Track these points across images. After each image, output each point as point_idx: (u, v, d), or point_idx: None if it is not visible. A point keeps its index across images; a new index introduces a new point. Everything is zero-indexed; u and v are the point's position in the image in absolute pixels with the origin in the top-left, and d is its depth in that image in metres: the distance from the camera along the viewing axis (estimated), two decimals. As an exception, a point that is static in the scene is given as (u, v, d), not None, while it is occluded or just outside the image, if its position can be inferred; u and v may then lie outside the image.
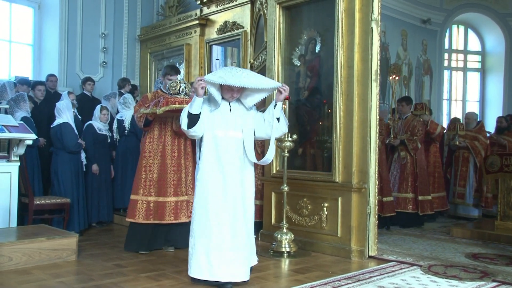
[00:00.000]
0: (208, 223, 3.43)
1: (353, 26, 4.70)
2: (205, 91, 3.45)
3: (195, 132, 3.43)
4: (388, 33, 9.03)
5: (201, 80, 3.32)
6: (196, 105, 3.39)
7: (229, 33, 7.32)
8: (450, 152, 7.85)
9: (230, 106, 3.54)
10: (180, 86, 4.66)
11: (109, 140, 6.33)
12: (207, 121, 3.46)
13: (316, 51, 5.17)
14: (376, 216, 4.66)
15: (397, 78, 7.88)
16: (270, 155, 3.58)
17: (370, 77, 4.61)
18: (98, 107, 6.25)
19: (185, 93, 4.69)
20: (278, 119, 3.53)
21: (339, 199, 4.73)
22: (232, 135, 3.50)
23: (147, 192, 4.67)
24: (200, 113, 3.40)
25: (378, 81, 4.68)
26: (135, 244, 4.70)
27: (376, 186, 4.67)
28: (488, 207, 7.46)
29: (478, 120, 7.97)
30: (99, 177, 6.23)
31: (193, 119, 3.40)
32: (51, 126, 5.77)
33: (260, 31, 6.36)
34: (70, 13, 8.11)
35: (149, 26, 8.92)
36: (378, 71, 4.67)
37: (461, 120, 8.12)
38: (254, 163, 3.61)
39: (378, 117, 4.67)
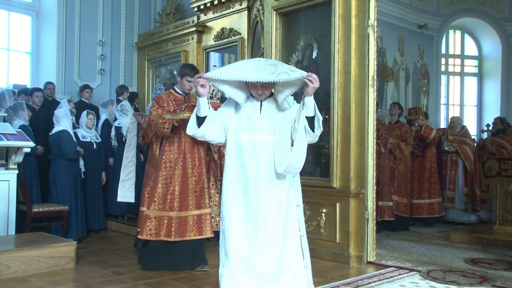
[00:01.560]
0: (228, 251, 2.94)
1: (349, 31, 4.72)
2: (214, 91, 3.23)
3: (202, 134, 2.99)
4: (385, 38, 9.07)
5: (200, 77, 2.89)
6: (201, 107, 2.92)
7: (226, 40, 7.34)
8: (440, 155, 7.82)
9: (261, 105, 3.00)
10: (214, 89, 4.34)
11: (95, 147, 6.24)
12: (232, 124, 3.00)
13: (313, 57, 5.19)
14: (375, 221, 4.67)
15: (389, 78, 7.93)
16: (295, 162, 2.83)
17: (367, 82, 4.62)
18: (84, 113, 6.21)
19: (218, 97, 4.41)
20: (312, 118, 2.84)
21: (337, 204, 4.73)
22: (260, 139, 2.94)
23: (168, 207, 4.21)
24: (207, 116, 2.94)
25: (375, 86, 4.69)
26: (153, 263, 4.28)
27: (374, 192, 4.67)
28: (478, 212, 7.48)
29: (462, 125, 8.02)
30: (91, 184, 6.22)
31: (201, 122, 2.98)
32: (50, 133, 5.78)
33: (257, 38, 6.38)
34: (68, 21, 8.13)
35: (147, 33, 8.95)
36: (375, 77, 4.69)
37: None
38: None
39: (375, 122, 4.69)
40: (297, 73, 2.80)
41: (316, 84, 2.77)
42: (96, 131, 6.54)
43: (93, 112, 6.34)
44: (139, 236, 4.30)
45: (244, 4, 6.94)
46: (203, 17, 7.73)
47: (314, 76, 2.78)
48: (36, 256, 4.10)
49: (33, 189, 5.74)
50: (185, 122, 3.89)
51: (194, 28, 7.78)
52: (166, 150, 4.29)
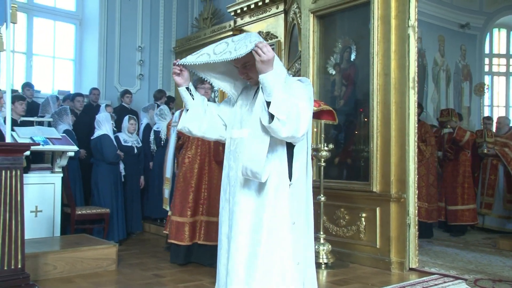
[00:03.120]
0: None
1: (389, 33, 4.63)
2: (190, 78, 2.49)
3: (186, 129, 2.52)
4: (425, 39, 8.86)
5: (174, 64, 2.41)
6: (184, 98, 2.49)
7: (263, 43, 7.34)
8: (478, 159, 7.36)
9: (256, 93, 2.43)
10: None
11: (135, 151, 6.36)
12: (229, 119, 2.55)
13: (351, 59, 5.12)
14: (416, 227, 4.54)
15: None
16: (246, 161, 2.24)
17: (408, 84, 4.52)
18: (126, 117, 6.36)
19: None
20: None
21: (377, 209, 4.64)
22: (241, 135, 2.44)
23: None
24: (189, 109, 2.49)
25: (416, 88, 4.58)
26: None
27: (416, 196, 4.55)
28: None
29: (510, 125, 7.45)
30: (131, 187, 6.35)
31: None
32: (91, 137, 5.94)
33: (294, 41, 6.36)
34: (108, 28, 8.35)
35: (184, 38, 9.07)
36: (416, 78, 4.58)
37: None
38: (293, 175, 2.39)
39: (416, 125, 4.57)
40: (242, 50, 2.16)
41: (265, 56, 2.09)
42: (138, 136, 6.67)
43: (134, 117, 6.49)
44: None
45: (281, 8, 6.93)
46: (239, 21, 7.77)
47: (262, 45, 2.11)
48: (80, 258, 4.21)
49: (76, 192, 5.90)
50: None
51: (231, 32, 7.81)
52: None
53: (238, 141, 2.44)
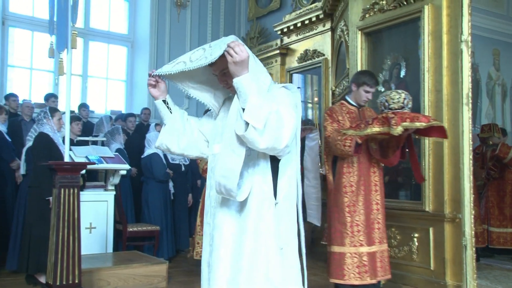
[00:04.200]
0: None
1: (440, 48, 4.53)
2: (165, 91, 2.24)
3: (164, 147, 2.24)
4: (478, 52, 8.58)
5: (150, 75, 2.17)
6: (161, 113, 2.24)
7: (310, 61, 7.36)
8: None
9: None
10: (405, 98, 3.62)
11: (183, 169, 6.46)
12: (210, 133, 2.26)
13: (401, 76, 5.03)
14: (474, 249, 4.35)
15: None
16: (217, 175, 1.98)
17: (461, 101, 4.38)
18: None
19: (409, 107, 3.68)
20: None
21: (431, 229, 4.48)
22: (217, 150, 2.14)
23: (356, 241, 3.66)
24: (165, 124, 2.24)
25: (470, 105, 4.43)
26: None
27: (472, 216, 4.37)
28: None
29: None
30: (179, 205, 6.43)
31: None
32: (142, 156, 6.10)
33: (342, 58, 6.33)
34: (158, 49, 8.62)
35: (232, 57, 9.21)
36: (470, 95, 4.43)
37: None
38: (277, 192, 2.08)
39: (471, 142, 4.41)
40: (216, 53, 1.92)
41: (237, 57, 1.85)
42: (185, 154, 6.78)
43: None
44: (331, 280, 3.70)
45: (328, 25, 6.94)
46: (286, 40, 7.82)
47: (234, 44, 1.87)
48: (132, 274, 4.30)
49: (128, 209, 6.06)
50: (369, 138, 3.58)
51: (277, 51, 7.89)
52: (345, 172, 3.73)
53: (214, 157, 2.16)
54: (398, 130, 3.35)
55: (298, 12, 7.45)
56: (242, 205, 2.04)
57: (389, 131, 3.42)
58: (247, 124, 1.86)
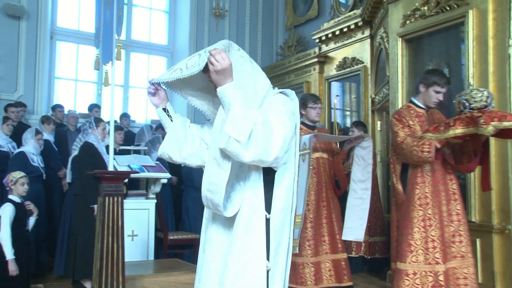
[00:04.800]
0: None
1: (486, 54, 4.39)
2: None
3: (166, 156, 2.15)
4: (524, 57, 8.28)
5: (150, 82, 2.10)
6: (162, 122, 2.18)
7: (349, 69, 7.30)
8: None
9: None
10: (488, 96, 3.31)
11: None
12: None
13: (444, 83, 4.91)
14: (524, 262, 4.16)
15: None
16: (203, 188, 1.91)
17: (509, 107, 4.23)
18: None
19: (492, 106, 3.43)
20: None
21: (478, 240, 4.32)
22: None
23: (431, 259, 3.33)
24: (167, 132, 2.16)
25: (518, 111, 4.28)
26: None
27: (522, 228, 4.19)
28: None
29: None
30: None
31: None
32: (182, 165, 6.18)
33: (381, 66, 6.24)
34: (197, 59, 8.74)
35: (269, 66, 9.25)
36: (518, 101, 4.27)
37: None
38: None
39: (520, 150, 4.24)
40: (196, 67, 1.85)
41: (218, 65, 1.77)
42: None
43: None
44: None
45: (367, 33, 6.86)
46: (324, 48, 7.79)
47: (215, 51, 1.78)
48: (174, 282, 4.35)
49: (168, 217, 6.15)
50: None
51: (316, 59, 7.86)
52: (419, 182, 3.41)
53: None
54: (489, 129, 3.04)
55: (336, 20, 7.41)
56: (231, 219, 1.92)
57: (476, 132, 3.15)
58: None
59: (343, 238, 4.20)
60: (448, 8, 4.65)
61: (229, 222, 1.93)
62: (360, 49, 7.06)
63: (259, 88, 1.96)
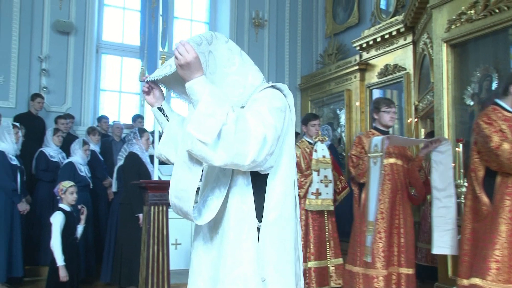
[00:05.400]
0: None
1: (537, 58, 4.24)
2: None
3: (164, 157, 2.03)
4: None
5: (143, 80, 2.00)
6: (159, 121, 2.07)
7: (391, 76, 7.18)
8: None
9: None
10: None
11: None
12: None
13: (493, 88, 4.75)
14: None
15: None
16: (170, 194, 1.71)
17: None
18: None
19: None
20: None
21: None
22: None
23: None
24: (165, 132, 2.03)
25: None
26: None
27: None
28: None
29: None
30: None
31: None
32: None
33: (425, 72, 6.11)
34: (238, 69, 8.83)
35: (309, 74, 9.24)
36: None
37: None
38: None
39: None
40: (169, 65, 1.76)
41: (182, 59, 1.59)
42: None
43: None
44: None
45: (409, 39, 6.74)
46: (365, 55, 7.71)
47: (178, 44, 1.62)
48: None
49: (211, 225, 6.19)
50: None
51: (356, 67, 7.79)
52: (510, 193, 3.09)
53: (207, 169, 1.91)
54: None
55: (377, 26, 7.33)
56: (219, 228, 1.77)
57: None
58: None
59: (434, 252, 3.85)
60: (497, 11, 4.51)
61: (215, 231, 1.78)
62: (402, 56, 6.94)
63: (248, 83, 1.81)
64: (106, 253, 5.23)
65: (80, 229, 4.48)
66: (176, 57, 1.60)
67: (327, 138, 5.21)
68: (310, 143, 5.05)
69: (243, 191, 1.74)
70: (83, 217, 4.49)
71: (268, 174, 1.75)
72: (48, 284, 4.22)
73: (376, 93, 7.80)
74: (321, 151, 4.99)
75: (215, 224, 1.78)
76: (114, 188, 5.69)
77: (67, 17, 7.46)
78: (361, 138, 4.30)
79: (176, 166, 1.68)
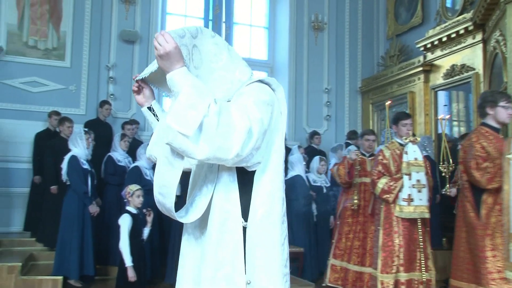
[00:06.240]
0: None
1: None
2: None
3: (153, 157, 1.94)
4: None
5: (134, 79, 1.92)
6: (149, 121, 1.99)
7: (458, 77, 6.88)
8: None
9: None
10: None
11: (324, 191, 6.41)
12: None
13: None
14: None
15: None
16: (154, 190, 1.65)
17: None
18: (317, 158, 6.51)
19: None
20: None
21: None
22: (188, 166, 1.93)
23: None
24: (155, 132, 1.95)
25: None
26: None
27: None
28: None
29: None
30: (321, 227, 6.37)
31: None
32: (285, 178, 6.20)
33: (496, 71, 5.80)
34: (297, 73, 8.82)
35: (370, 77, 9.04)
36: None
37: None
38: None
39: None
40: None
41: (161, 49, 1.54)
42: (326, 176, 6.77)
43: (325, 158, 6.63)
44: None
45: (478, 37, 6.44)
46: (430, 56, 7.44)
47: (157, 34, 1.57)
48: (280, 295, 4.35)
49: (272, 230, 6.19)
50: None
51: (420, 68, 7.54)
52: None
53: (195, 169, 1.86)
54: None
55: (443, 25, 7.05)
56: (203, 227, 1.70)
57: None
58: None
59: None
60: None
61: (200, 230, 1.72)
62: (470, 55, 6.64)
63: (236, 78, 1.77)
64: (171, 254, 5.35)
65: (146, 231, 4.61)
66: (155, 48, 1.55)
67: (419, 139, 4.66)
68: (401, 144, 4.60)
69: (228, 188, 1.68)
70: (149, 220, 4.62)
71: (255, 171, 1.68)
72: (118, 283, 4.38)
73: (441, 95, 7.51)
74: (413, 153, 4.44)
75: (200, 223, 1.72)
76: (178, 191, 5.80)
77: (132, 26, 7.75)
78: (479, 137, 3.78)
79: (158, 161, 1.62)
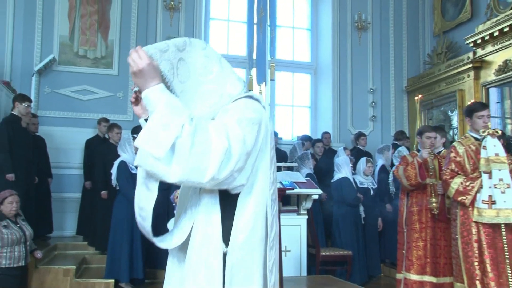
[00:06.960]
0: None
1: None
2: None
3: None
4: None
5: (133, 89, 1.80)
6: None
7: (511, 73, 6.59)
8: None
9: None
10: None
11: (371, 193, 6.29)
12: None
13: None
14: None
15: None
16: (141, 220, 1.63)
17: None
18: (363, 160, 6.41)
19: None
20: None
21: None
22: None
23: None
24: None
25: None
26: None
27: None
28: None
29: None
30: (369, 229, 6.25)
31: None
32: (332, 180, 6.14)
33: (554, 66, 5.52)
34: (341, 74, 8.71)
35: (416, 76, 8.81)
36: None
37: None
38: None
39: None
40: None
41: (134, 65, 1.48)
42: (373, 177, 6.64)
43: (371, 160, 6.51)
44: None
45: (533, 31, 6.15)
46: (480, 52, 7.16)
47: (131, 51, 1.49)
48: (330, 300, 4.30)
49: (319, 233, 6.13)
50: None
51: (470, 65, 7.28)
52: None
53: (181, 190, 1.80)
54: None
55: (494, 20, 6.78)
56: (185, 250, 1.62)
57: None
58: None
59: None
60: None
61: (182, 253, 1.65)
62: (525, 50, 6.35)
63: (226, 92, 1.66)
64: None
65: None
66: (129, 64, 1.49)
67: (499, 131, 4.05)
68: (477, 139, 4.04)
69: (210, 210, 1.59)
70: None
71: (240, 193, 1.59)
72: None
73: (493, 92, 7.21)
74: (493, 148, 3.84)
75: (183, 246, 1.64)
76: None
77: (177, 33, 7.89)
78: None
79: (137, 182, 1.58)
